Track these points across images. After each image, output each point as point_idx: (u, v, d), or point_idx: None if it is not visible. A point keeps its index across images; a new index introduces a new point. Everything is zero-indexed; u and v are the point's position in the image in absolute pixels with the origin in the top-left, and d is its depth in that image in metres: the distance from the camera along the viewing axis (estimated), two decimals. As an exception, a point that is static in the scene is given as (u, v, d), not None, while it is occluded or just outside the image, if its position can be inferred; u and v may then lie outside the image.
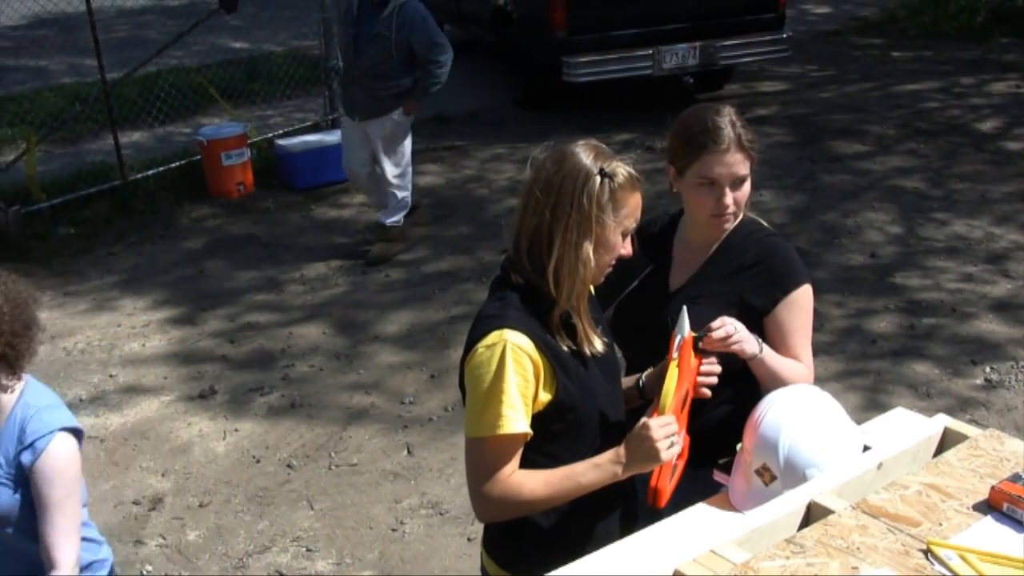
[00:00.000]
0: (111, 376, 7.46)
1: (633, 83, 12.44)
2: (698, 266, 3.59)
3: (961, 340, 7.38)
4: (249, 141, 11.02)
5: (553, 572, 2.74)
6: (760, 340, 3.38)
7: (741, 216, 3.61)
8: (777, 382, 3.39)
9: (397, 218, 9.21)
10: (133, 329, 8.17)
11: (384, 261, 9.07)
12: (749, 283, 3.49)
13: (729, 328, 3.26)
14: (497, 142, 11.85)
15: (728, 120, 3.45)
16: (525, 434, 2.96)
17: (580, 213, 2.94)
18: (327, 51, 11.16)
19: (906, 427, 3.28)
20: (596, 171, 2.95)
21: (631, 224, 3.04)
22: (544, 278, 2.98)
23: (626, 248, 3.07)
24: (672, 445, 2.99)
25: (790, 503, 2.85)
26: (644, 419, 3.00)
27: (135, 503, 6.11)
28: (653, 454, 2.97)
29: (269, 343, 7.87)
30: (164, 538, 5.82)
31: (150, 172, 10.87)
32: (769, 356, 3.40)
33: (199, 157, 10.85)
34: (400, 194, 9.17)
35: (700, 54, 11.94)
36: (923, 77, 13.94)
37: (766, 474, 3.05)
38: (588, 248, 2.96)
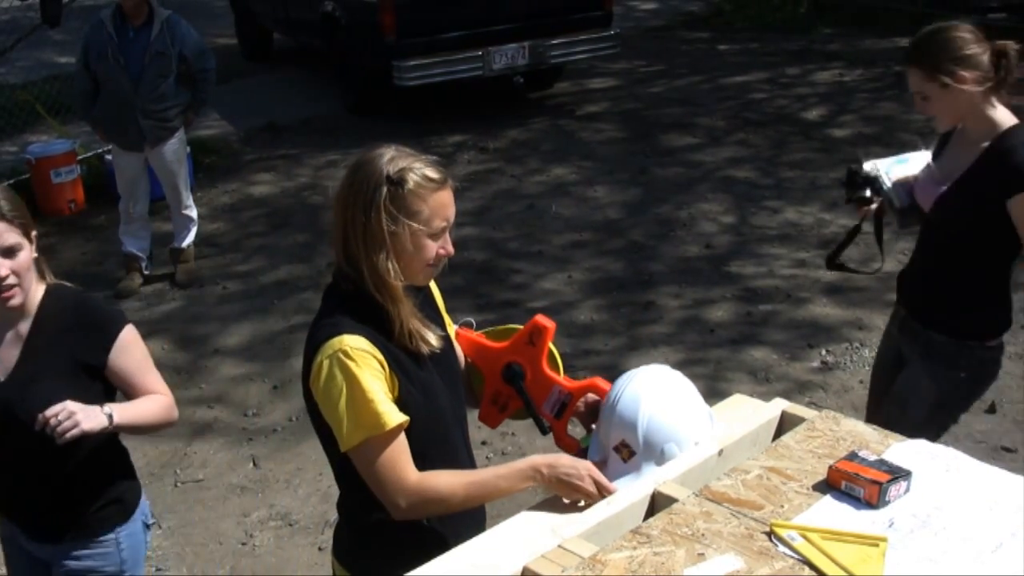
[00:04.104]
0: (-58, 405, 7.23)
1: (465, 85, 12.46)
2: (22, 342, 3.54)
3: (797, 325, 7.53)
4: (79, 157, 10.77)
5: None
6: (104, 407, 3.43)
7: (38, 287, 3.55)
8: (146, 429, 3.66)
9: (193, 236, 9.08)
10: (-37, 355, 7.93)
11: (195, 280, 8.95)
12: (77, 345, 3.51)
13: (62, 415, 3.26)
14: (330, 149, 11.77)
15: None
16: (405, 422, 2.95)
17: (369, 225, 2.93)
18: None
19: (745, 413, 3.32)
20: (384, 180, 2.92)
21: (440, 223, 3.00)
22: (366, 284, 2.97)
23: (445, 248, 3.06)
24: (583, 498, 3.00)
25: (634, 494, 2.87)
26: (589, 461, 3.04)
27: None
28: (571, 491, 2.96)
29: (107, 362, 7.69)
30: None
31: (-24, 193, 10.55)
32: (123, 416, 3.48)
33: (28, 176, 10.58)
34: (194, 213, 9.05)
35: (529, 54, 11.99)
36: (750, 69, 14.19)
37: (625, 451, 3.06)
38: (383, 258, 2.94)
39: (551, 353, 3.43)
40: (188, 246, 9.00)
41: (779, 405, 3.32)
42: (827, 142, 11.17)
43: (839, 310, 7.68)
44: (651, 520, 2.73)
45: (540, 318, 3.39)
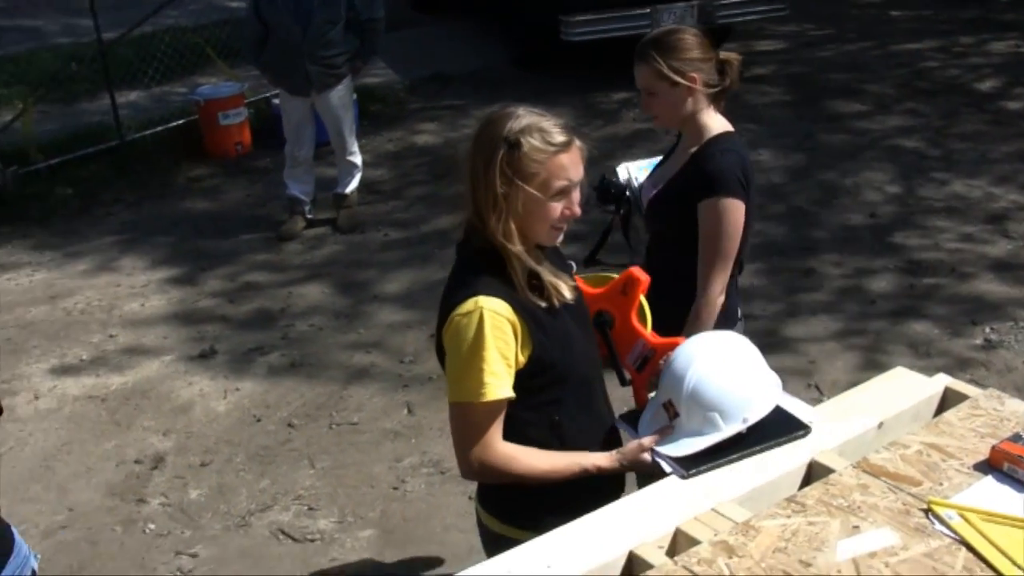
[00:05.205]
0: (111, 336, 7.46)
1: (632, 42, 12.36)
2: None
3: (960, 300, 7.38)
4: (246, 101, 10.99)
5: (553, 530, 2.74)
6: None
7: None
8: None
9: (357, 183, 9.20)
10: (133, 289, 8.17)
11: (357, 225, 9.07)
12: None
13: None
14: (495, 102, 11.57)
15: None
16: (508, 399, 2.98)
17: (488, 187, 2.94)
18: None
19: (907, 387, 3.28)
20: (502, 141, 2.92)
21: (561, 184, 2.97)
22: (493, 242, 2.99)
23: (571, 208, 3.03)
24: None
25: (791, 462, 2.86)
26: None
27: (137, 462, 6.12)
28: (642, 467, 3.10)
29: (269, 303, 7.87)
30: (166, 496, 5.83)
31: (147, 132, 10.84)
32: None
33: (196, 117, 10.83)
34: (359, 159, 9.17)
35: (698, 13, 11.83)
36: (922, 36, 13.88)
37: (670, 409, 3.07)
38: (495, 219, 2.95)
39: (641, 306, 3.46)
40: (351, 192, 9.13)
41: (942, 381, 3.27)
42: (1000, 115, 10.90)
43: (1005, 287, 7.50)
44: (807, 489, 2.72)
45: (635, 270, 3.42)
